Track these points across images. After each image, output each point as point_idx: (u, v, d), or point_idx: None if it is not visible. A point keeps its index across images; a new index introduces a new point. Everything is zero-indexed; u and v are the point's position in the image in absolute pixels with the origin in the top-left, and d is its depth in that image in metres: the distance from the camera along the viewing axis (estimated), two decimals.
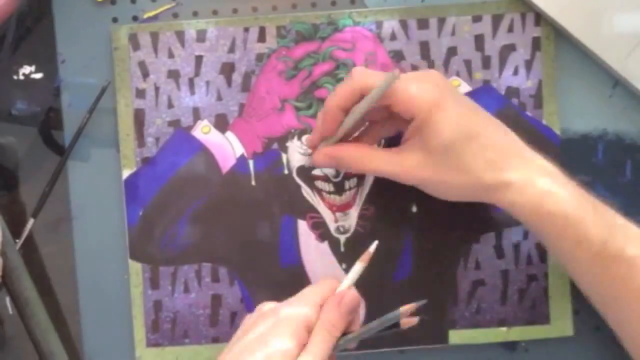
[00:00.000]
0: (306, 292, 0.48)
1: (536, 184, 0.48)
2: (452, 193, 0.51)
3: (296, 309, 0.46)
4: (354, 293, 0.48)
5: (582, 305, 0.57)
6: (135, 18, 0.57)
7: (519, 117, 0.56)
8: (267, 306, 0.48)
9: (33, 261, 0.56)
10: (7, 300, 0.55)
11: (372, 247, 0.48)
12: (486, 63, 0.57)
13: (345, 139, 0.52)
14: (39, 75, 0.57)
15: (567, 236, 0.48)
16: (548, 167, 0.50)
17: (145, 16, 0.57)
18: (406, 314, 0.46)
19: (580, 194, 0.49)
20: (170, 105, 0.56)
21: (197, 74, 0.56)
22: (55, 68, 0.57)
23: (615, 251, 0.47)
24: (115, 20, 0.57)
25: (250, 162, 0.56)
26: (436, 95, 0.48)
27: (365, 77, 0.49)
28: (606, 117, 0.58)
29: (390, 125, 0.53)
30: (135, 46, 0.56)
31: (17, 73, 0.57)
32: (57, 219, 0.57)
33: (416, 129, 0.49)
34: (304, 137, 0.56)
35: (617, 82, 0.57)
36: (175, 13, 0.57)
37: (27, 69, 0.57)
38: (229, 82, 0.56)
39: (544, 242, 0.51)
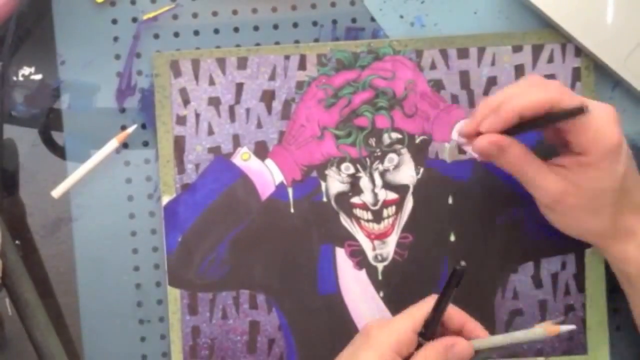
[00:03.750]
0: (406, 312, 0.50)
1: None
2: (575, 229, 0.51)
3: (386, 334, 0.48)
4: (469, 348, 0.48)
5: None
6: (134, 19, 0.57)
7: None
8: (371, 323, 0.50)
9: (33, 262, 0.56)
10: (7, 301, 0.55)
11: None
12: None
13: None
14: (38, 77, 0.57)
15: None
16: None
17: (145, 17, 0.57)
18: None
19: None
20: (210, 132, 0.56)
21: (237, 101, 0.56)
22: (55, 69, 0.57)
23: None
24: (115, 21, 0.57)
25: (289, 190, 0.56)
26: (615, 143, 0.48)
27: (562, 94, 0.48)
28: None
29: (548, 132, 0.53)
30: (177, 73, 0.56)
31: (17, 74, 0.57)
32: (57, 221, 0.57)
33: (578, 163, 0.49)
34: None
35: (616, 84, 0.57)
36: (175, 14, 0.57)
37: (27, 70, 0.57)
38: (269, 109, 0.56)
39: None
